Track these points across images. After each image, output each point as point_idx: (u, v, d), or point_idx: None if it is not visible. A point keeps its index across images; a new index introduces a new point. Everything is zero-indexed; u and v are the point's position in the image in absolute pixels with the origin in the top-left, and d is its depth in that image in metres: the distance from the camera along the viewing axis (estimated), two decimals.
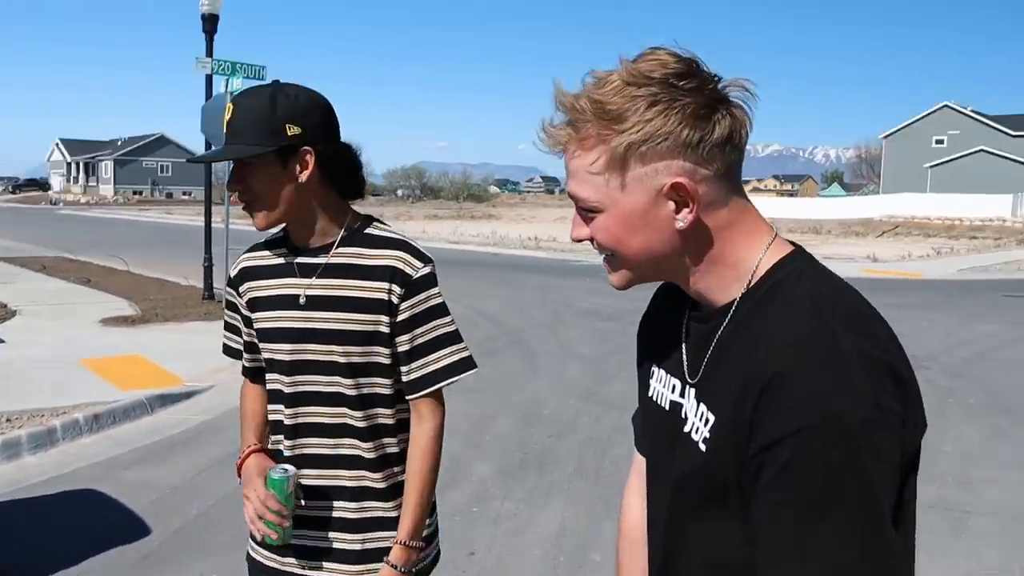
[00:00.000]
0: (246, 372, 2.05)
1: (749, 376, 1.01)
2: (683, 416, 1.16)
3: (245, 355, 2.03)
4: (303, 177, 1.79)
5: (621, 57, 1.07)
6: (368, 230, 1.89)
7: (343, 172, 1.86)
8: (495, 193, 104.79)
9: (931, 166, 64.53)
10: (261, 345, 1.93)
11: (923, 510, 4.87)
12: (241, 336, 2.02)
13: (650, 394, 1.27)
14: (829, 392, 0.95)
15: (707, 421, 1.08)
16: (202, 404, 7.05)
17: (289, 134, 1.76)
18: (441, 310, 1.87)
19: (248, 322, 1.96)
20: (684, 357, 1.18)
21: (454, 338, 1.89)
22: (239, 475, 1.93)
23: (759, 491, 0.98)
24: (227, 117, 1.79)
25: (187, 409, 6.94)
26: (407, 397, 1.88)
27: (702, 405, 1.10)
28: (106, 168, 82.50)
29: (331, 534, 1.89)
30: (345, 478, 1.88)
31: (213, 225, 12.35)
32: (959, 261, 23.98)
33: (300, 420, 1.88)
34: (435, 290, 1.87)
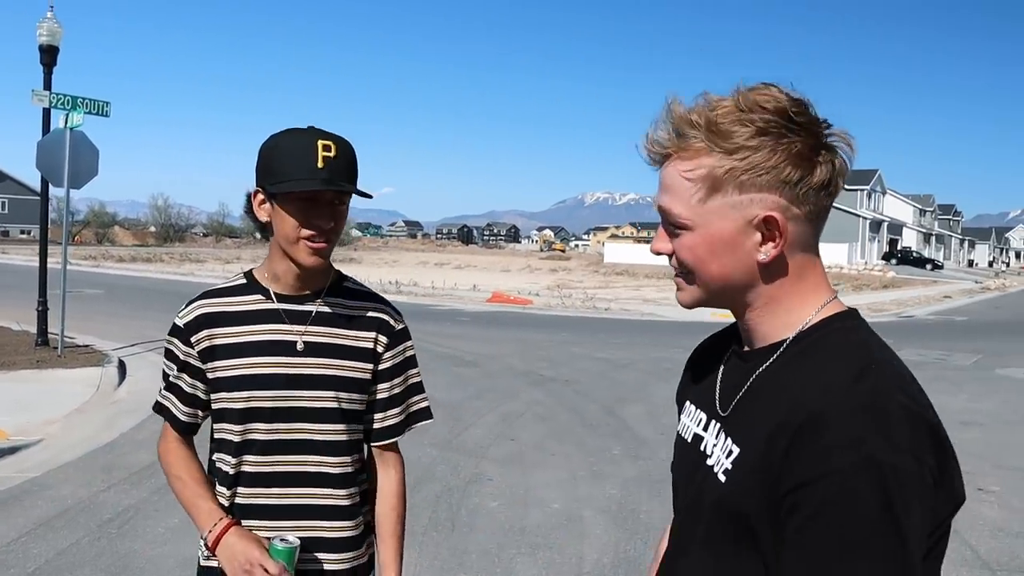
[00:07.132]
0: (181, 429, 1.93)
1: (785, 415, 1.00)
2: (703, 449, 1.18)
3: (184, 410, 1.92)
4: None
5: (736, 85, 1.08)
6: (346, 283, 1.96)
7: None
8: (356, 236, 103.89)
9: None
10: (222, 395, 1.84)
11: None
12: (182, 391, 1.92)
13: (679, 427, 1.30)
14: (867, 438, 0.94)
15: (730, 453, 1.09)
16: (29, 460, 6.43)
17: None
18: (414, 361, 2.00)
19: (197, 374, 1.87)
20: (717, 393, 1.20)
21: (421, 388, 2.01)
22: (212, 551, 1.81)
23: (789, 530, 0.96)
24: (329, 154, 1.75)
25: (11, 466, 6.29)
26: (374, 443, 1.95)
27: (728, 439, 1.11)
28: None
29: None
30: (324, 529, 1.87)
31: (49, 265, 11.56)
32: None
33: (272, 469, 1.84)
34: (411, 342, 1.99)
